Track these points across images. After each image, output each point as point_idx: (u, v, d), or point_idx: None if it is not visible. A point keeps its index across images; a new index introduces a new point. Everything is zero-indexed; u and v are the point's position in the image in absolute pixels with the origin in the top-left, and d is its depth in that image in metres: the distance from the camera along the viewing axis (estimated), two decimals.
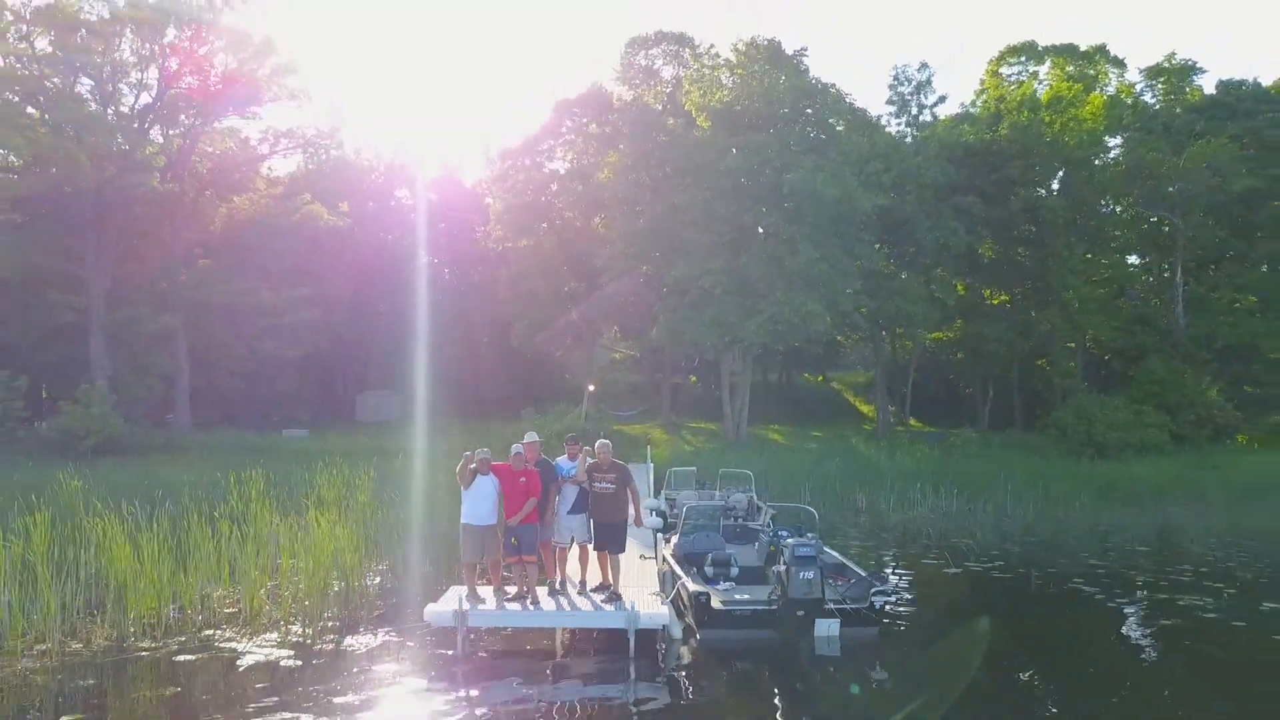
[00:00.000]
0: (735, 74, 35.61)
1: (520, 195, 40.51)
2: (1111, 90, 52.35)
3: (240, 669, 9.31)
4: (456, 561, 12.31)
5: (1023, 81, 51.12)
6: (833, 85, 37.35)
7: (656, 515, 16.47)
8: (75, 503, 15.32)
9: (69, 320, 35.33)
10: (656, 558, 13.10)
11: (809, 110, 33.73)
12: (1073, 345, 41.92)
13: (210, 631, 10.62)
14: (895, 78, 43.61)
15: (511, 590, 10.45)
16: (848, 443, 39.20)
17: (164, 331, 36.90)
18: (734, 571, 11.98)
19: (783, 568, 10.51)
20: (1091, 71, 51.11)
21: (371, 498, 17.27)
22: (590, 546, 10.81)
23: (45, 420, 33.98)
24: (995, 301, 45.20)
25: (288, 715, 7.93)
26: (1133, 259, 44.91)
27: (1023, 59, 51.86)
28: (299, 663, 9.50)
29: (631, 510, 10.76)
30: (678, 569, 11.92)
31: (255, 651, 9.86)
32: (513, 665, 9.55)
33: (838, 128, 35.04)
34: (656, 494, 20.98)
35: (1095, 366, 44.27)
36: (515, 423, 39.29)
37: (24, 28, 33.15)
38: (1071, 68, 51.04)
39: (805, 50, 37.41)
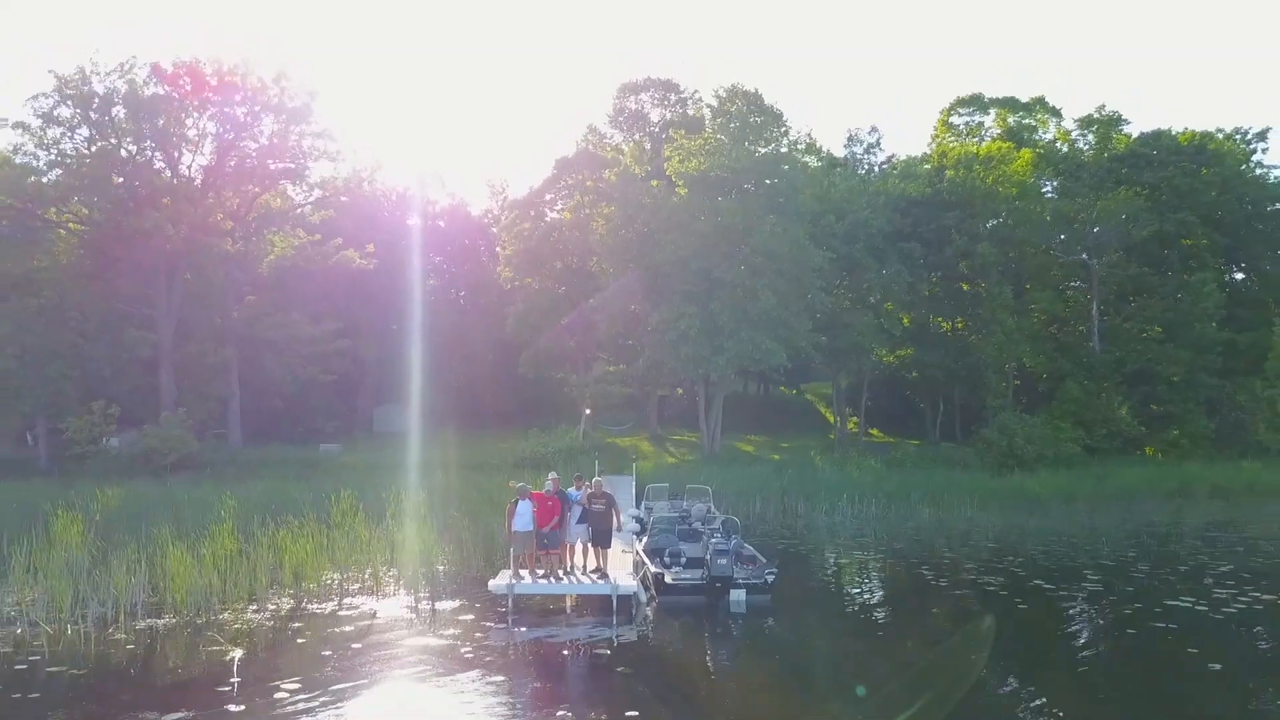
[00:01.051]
0: (709, 141, 41.77)
1: (526, 242, 46.71)
2: (1051, 136, 58.95)
3: (378, 619, 15.55)
4: (500, 553, 18.61)
5: (969, 130, 57.65)
6: (800, 139, 43.73)
7: (636, 522, 22.85)
8: (244, 513, 21.42)
9: (144, 354, 41.56)
10: (633, 551, 19.39)
11: (770, 181, 39.86)
12: (1006, 369, 48.35)
13: (352, 599, 16.90)
14: (849, 138, 49.96)
15: (541, 571, 16.74)
16: (807, 454, 45.65)
17: (221, 362, 43.15)
18: (683, 560, 18.28)
19: (709, 556, 16.86)
20: (1030, 121, 57.59)
21: (428, 509, 23.53)
22: (589, 544, 17.13)
23: (117, 439, 40.25)
24: (944, 327, 51.72)
25: (412, 644, 14.17)
26: (1057, 294, 51.27)
27: (971, 109, 58.32)
28: (411, 616, 15.73)
29: (615, 521, 17.08)
30: (645, 559, 18.24)
31: (384, 609, 16.12)
32: (541, 618, 15.80)
33: (796, 185, 41.14)
34: (638, 504, 27.33)
35: (1025, 388, 50.71)
36: (522, 436, 45.79)
37: (98, 105, 39.34)
38: (1013, 118, 57.54)
39: (783, 116, 43.84)
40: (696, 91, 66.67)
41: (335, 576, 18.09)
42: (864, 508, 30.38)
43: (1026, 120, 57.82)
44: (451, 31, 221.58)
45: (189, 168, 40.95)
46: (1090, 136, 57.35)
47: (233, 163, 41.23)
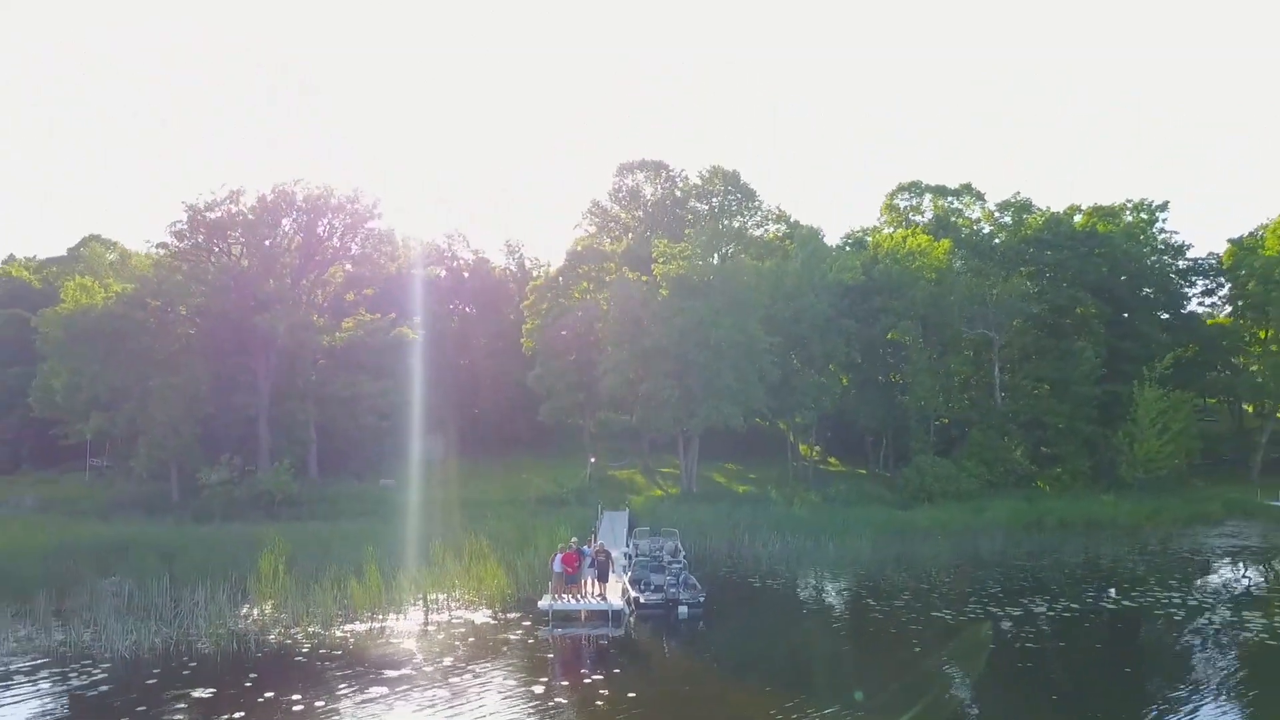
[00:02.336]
0: (686, 251, 53.52)
1: (544, 319, 58.51)
2: (976, 215, 70.82)
3: (476, 623, 27.50)
4: (540, 582, 30.52)
5: (912, 208, 69.44)
6: (770, 212, 55.70)
7: (625, 557, 34.81)
8: (373, 549, 33.27)
9: (249, 413, 53.57)
10: (622, 581, 31.34)
11: (730, 282, 51.68)
12: (927, 418, 60.23)
13: (461, 611, 28.84)
14: (794, 238, 61.75)
15: (567, 596, 28.72)
16: (768, 484, 57.81)
17: (305, 417, 55.17)
18: (652, 587, 30.21)
19: (667, 585, 28.88)
20: (958, 205, 69.53)
21: (488, 546, 35.47)
22: (596, 580, 29.12)
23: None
24: (879, 380, 63.61)
25: (499, 636, 26.08)
26: (967, 358, 63.15)
27: (909, 194, 70.32)
28: (494, 621, 27.67)
29: (611, 567, 29.15)
30: (629, 586, 30.20)
31: (478, 618, 28.06)
32: (568, 623, 27.68)
33: (751, 287, 52.85)
34: (628, 541, 39.29)
35: (944, 433, 62.59)
36: (539, 461, 58.00)
37: (217, 229, 51.34)
38: (943, 201, 69.50)
39: (756, 193, 56.29)
40: (683, 170, 79.06)
41: (442, 596, 30.07)
42: (794, 539, 42.22)
43: (954, 204, 69.79)
44: (472, 94, 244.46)
45: (285, 271, 52.86)
46: (1008, 217, 69.22)
47: (315, 269, 53.29)
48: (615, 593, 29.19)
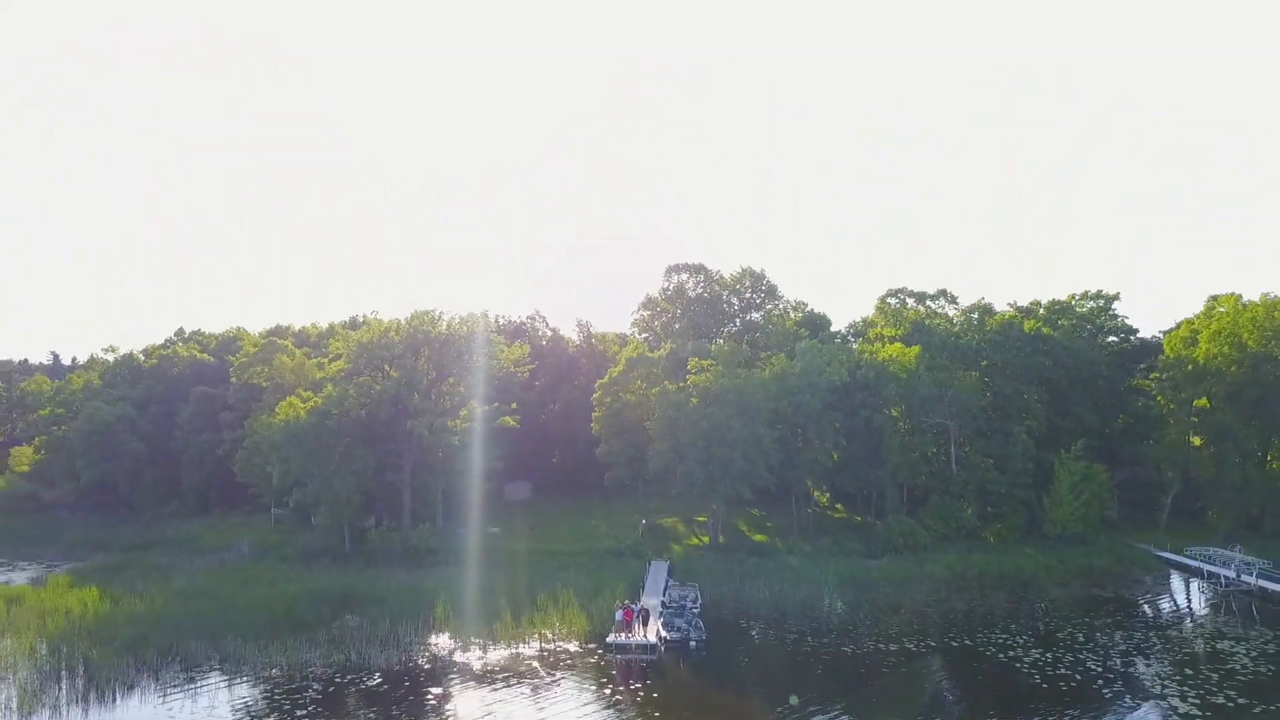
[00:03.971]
0: (713, 367, 72.74)
1: (609, 410, 78.35)
2: (952, 312, 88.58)
3: (575, 649, 47.29)
4: (608, 624, 50.14)
5: (900, 306, 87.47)
6: (790, 305, 74.74)
7: (661, 605, 54.58)
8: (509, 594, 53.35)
9: (396, 485, 74.47)
10: (657, 624, 50.91)
11: (744, 394, 70.70)
12: (900, 485, 78.35)
13: (560, 641, 48.74)
14: (806, 324, 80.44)
15: (624, 635, 48.38)
16: (780, 534, 76.77)
17: (436, 486, 75.87)
18: (676, 628, 49.71)
19: (685, 626, 48.49)
20: (935, 306, 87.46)
21: (572, 595, 55.31)
22: (643, 626, 48.78)
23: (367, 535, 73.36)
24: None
25: (583, 660, 45.81)
26: (929, 438, 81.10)
27: (899, 295, 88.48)
28: (580, 650, 47.42)
29: (652, 617, 48.88)
30: (660, 628, 49.79)
31: (571, 647, 47.85)
32: (625, 653, 47.20)
33: (759, 397, 71.62)
34: (664, 590, 58.75)
35: (913, 494, 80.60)
36: (606, 513, 77.78)
37: (376, 360, 72.29)
38: (922, 306, 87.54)
39: (777, 289, 75.81)
40: (719, 270, 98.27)
41: (548, 632, 49.93)
42: (780, 588, 61.00)
43: (931, 306, 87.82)
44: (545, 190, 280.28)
45: (424, 385, 73.44)
46: (975, 316, 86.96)
47: (444, 383, 74.00)
48: (653, 633, 48.88)
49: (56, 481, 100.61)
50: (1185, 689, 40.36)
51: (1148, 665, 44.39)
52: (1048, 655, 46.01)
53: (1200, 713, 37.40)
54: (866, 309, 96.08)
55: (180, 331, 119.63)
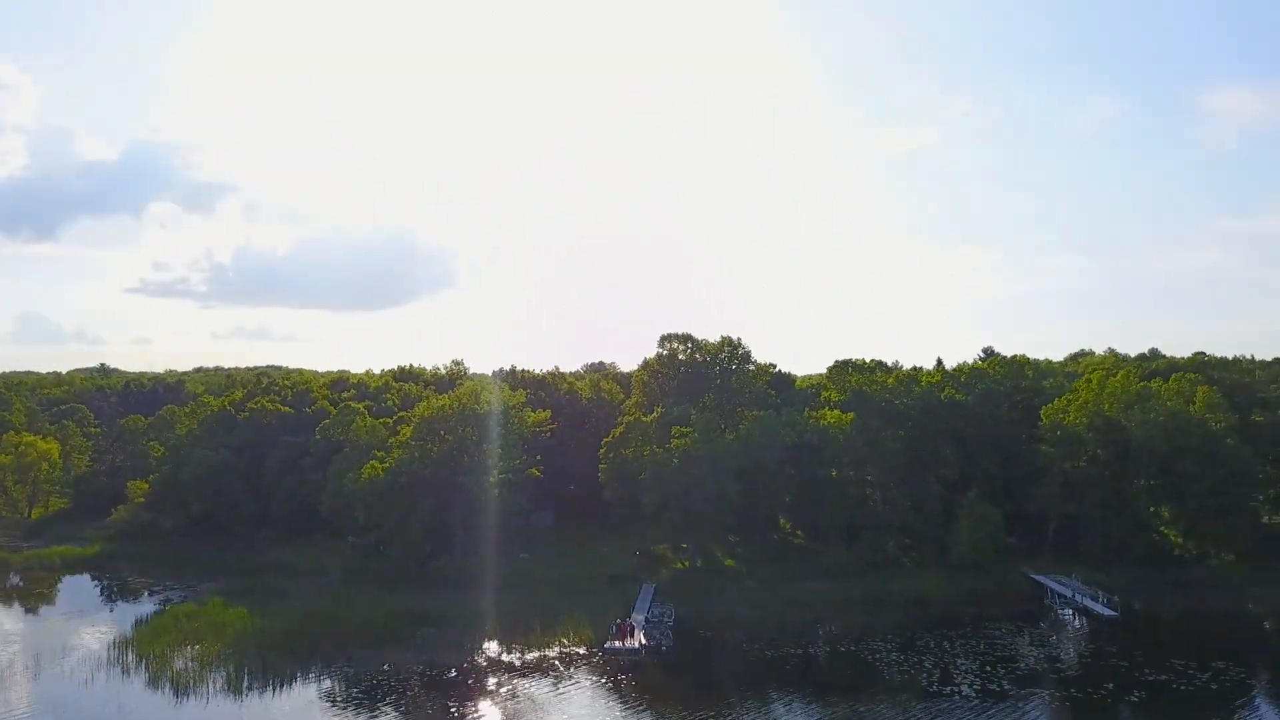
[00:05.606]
0: (690, 434, 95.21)
1: (613, 464, 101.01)
2: (890, 380, 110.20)
3: (581, 653, 69.90)
4: (605, 633, 72.61)
5: (847, 375, 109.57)
6: (757, 367, 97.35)
7: (645, 621, 77.38)
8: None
9: (448, 525, 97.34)
10: (640, 635, 73.44)
11: (716, 455, 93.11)
12: (836, 523, 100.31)
13: (574, 646, 71.38)
14: (775, 387, 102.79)
15: (618, 642, 70.89)
16: (745, 561, 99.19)
17: (485, 526, 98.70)
18: (654, 638, 72.26)
19: (659, 637, 71.14)
20: (880, 375, 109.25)
21: (584, 615, 77.90)
22: (630, 635, 71.42)
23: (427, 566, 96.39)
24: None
25: (590, 660, 68.36)
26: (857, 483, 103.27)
27: (843, 370, 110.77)
28: (583, 652, 70.01)
29: (637, 629, 71.62)
30: (643, 637, 72.33)
31: (578, 650, 70.47)
32: (618, 654, 69.61)
33: (728, 455, 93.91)
34: (648, 608, 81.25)
35: (847, 530, 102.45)
36: (613, 537, 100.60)
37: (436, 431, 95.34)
38: (862, 376, 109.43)
39: (751, 354, 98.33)
40: (705, 339, 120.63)
41: (565, 640, 72.51)
42: (737, 606, 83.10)
43: (871, 375, 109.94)
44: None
45: (471, 445, 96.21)
46: (903, 384, 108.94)
47: (489, 443, 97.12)
48: (638, 641, 71.38)
49: (168, 511, 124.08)
50: (978, 679, 62.53)
51: (965, 662, 66.53)
52: (901, 656, 68.31)
53: (979, 698, 59.47)
54: (826, 361, 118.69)
55: (258, 382, 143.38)
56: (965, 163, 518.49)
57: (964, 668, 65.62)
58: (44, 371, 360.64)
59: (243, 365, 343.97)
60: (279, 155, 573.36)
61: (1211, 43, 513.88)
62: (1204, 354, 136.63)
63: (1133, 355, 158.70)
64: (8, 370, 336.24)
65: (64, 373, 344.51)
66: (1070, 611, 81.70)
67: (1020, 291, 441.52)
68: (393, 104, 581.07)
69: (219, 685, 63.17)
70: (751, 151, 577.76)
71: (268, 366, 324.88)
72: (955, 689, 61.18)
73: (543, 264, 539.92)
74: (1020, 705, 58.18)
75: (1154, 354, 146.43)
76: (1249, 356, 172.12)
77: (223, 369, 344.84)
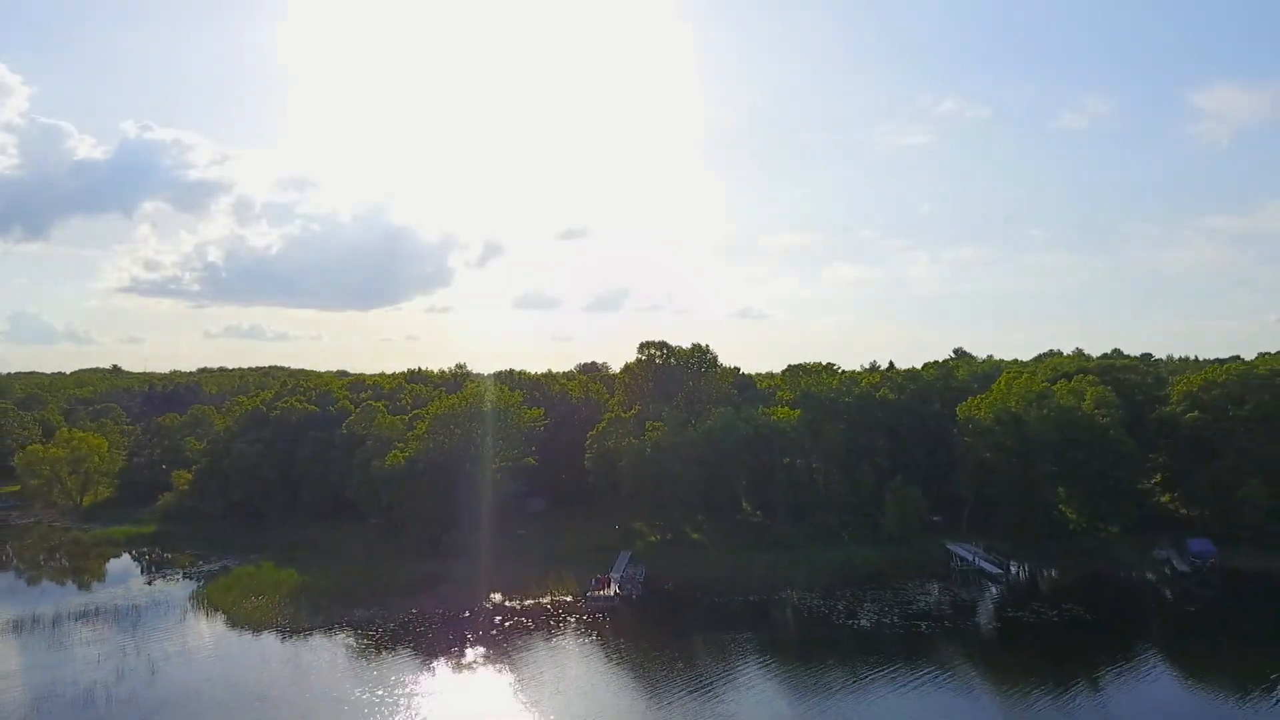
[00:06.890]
0: (661, 428, 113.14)
1: (596, 454, 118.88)
2: (834, 382, 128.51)
3: (568, 601, 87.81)
4: (588, 586, 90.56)
5: (805, 372, 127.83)
6: (724, 370, 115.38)
7: (621, 575, 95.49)
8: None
9: (456, 505, 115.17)
10: (615, 585, 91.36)
11: (681, 446, 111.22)
12: (786, 503, 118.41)
13: (564, 596, 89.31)
14: (738, 387, 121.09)
15: (598, 592, 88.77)
16: (710, 534, 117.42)
17: (485, 504, 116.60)
18: (627, 589, 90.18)
19: (631, 587, 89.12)
20: (826, 377, 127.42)
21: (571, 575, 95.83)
22: (608, 585, 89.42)
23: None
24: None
25: (576, 605, 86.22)
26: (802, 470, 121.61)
27: (793, 372, 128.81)
28: (570, 599, 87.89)
29: (614, 582, 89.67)
30: (618, 588, 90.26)
31: (568, 597, 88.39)
32: (597, 601, 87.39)
33: (693, 444, 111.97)
34: (624, 568, 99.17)
35: (799, 509, 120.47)
36: (599, 516, 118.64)
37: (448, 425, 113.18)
38: (810, 378, 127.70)
39: (717, 359, 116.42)
40: (679, 345, 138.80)
41: (564, 590, 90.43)
42: (700, 567, 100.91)
43: (819, 377, 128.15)
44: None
45: (477, 438, 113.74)
46: (845, 385, 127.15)
47: (491, 435, 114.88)
48: (613, 590, 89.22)
49: (209, 497, 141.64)
50: (875, 616, 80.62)
51: (870, 606, 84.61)
52: (820, 602, 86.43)
53: (871, 628, 77.47)
54: (784, 363, 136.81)
55: (285, 384, 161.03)
56: (957, 161, 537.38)
57: (868, 610, 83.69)
58: (48, 372, 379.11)
59: (244, 365, 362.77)
60: (270, 154, 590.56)
61: (1203, 41, 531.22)
62: (1119, 352, 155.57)
63: (1096, 354, 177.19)
64: (8, 370, 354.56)
65: (68, 373, 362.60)
66: (968, 572, 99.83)
67: (1011, 290, 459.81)
68: (391, 104, 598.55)
69: (284, 623, 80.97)
70: (744, 150, 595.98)
71: (270, 366, 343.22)
72: (855, 622, 79.30)
73: (537, 263, 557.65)
74: (901, 633, 76.34)
75: (1078, 354, 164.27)
76: (1172, 357, 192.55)
77: (227, 369, 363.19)
